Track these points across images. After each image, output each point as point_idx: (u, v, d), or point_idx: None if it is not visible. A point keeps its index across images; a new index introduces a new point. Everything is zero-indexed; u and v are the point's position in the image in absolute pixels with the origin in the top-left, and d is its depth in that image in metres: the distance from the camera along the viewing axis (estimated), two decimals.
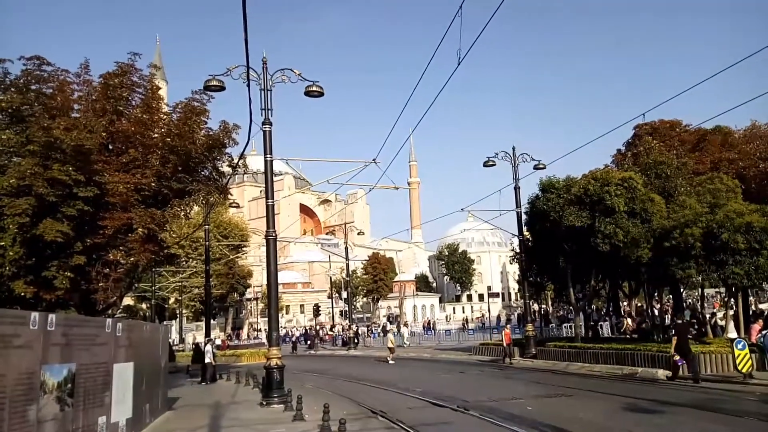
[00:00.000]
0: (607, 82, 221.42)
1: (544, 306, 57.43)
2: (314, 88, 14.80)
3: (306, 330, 58.98)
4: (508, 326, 23.25)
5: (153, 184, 15.29)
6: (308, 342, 46.75)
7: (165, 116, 16.76)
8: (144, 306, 53.53)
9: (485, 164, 24.36)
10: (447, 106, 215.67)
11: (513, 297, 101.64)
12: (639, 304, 33.68)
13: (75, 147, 13.23)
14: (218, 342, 50.11)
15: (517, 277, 59.28)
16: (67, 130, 13.35)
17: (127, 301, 57.96)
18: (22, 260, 13.06)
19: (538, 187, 24.02)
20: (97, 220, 14.15)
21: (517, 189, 24.88)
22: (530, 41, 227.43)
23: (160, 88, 18.29)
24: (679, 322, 17.51)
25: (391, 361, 27.04)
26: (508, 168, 24.68)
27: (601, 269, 23.77)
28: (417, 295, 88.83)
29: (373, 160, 17.40)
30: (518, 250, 27.00)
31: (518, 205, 25.10)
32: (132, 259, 15.57)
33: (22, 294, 13.04)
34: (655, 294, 28.96)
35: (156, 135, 16.11)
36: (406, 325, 50.05)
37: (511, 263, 52.09)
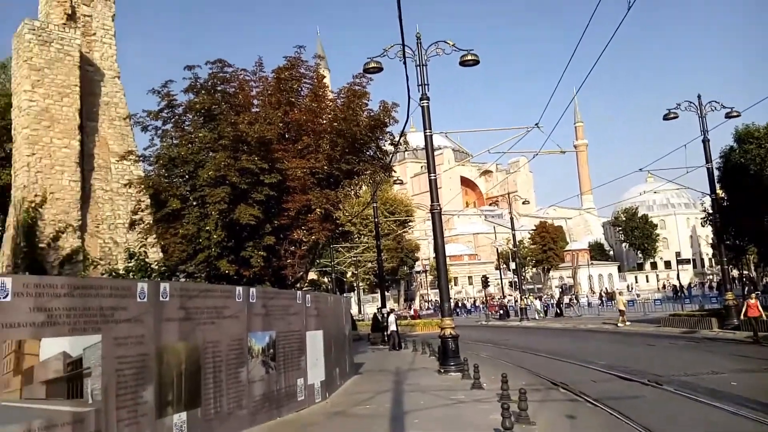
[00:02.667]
0: None
1: (746, 272, 50.53)
2: (469, 57, 14.50)
3: (474, 301, 59.07)
4: (754, 295, 20.03)
5: (325, 167, 16.32)
6: (500, 313, 44.81)
7: (331, 102, 17.76)
8: (325, 280, 58.06)
9: (666, 117, 21.89)
10: (615, 59, 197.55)
11: (706, 263, 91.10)
12: None
13: (258, 139, 14.62)
14: (410, 312, 52.37)
15: (710, 241, 52.91)
16: (250, 124, 14.79)
17: (311, 275, 63.36)
18: (224, 242, 14.84)
19: (733, 138, 21.11)
20: (281, 203, 15.53)
21: (706, 142, 22.04)
22: None
23: (324, 77, 19.38)
24: None
25: (620, 325, 27.06)
26: (692, 120, 21.95)
27: None
28: (592, 264, 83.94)
29: (536, 124, 16.64)
30: (711, 211, 24.00)
31: (708, 160, 22.23)
32: (313, 237, 16.80)
33: (226, 271, 14.86)
34: None
35: (324, 121, 17.14)
36: (539, 299, 47.64)
37: (702, 226, 46.54)
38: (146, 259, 16.29)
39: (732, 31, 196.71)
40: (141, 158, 18.41)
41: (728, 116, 21.33)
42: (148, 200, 16.76)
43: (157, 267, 16.24)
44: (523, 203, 73.11)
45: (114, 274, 16.94)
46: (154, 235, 16.47)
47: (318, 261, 42.30)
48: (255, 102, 17.06)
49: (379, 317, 26.74)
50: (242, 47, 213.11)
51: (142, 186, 16.32)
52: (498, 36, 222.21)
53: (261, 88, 17.23)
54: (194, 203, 15.28)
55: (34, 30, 20.39)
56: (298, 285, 19.24)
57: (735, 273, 45.34)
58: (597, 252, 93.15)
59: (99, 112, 22.71)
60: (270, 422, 8.39)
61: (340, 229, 21.02)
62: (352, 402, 10.42)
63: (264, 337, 8.67)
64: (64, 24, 21.64)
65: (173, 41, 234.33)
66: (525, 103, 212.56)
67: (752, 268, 52.89)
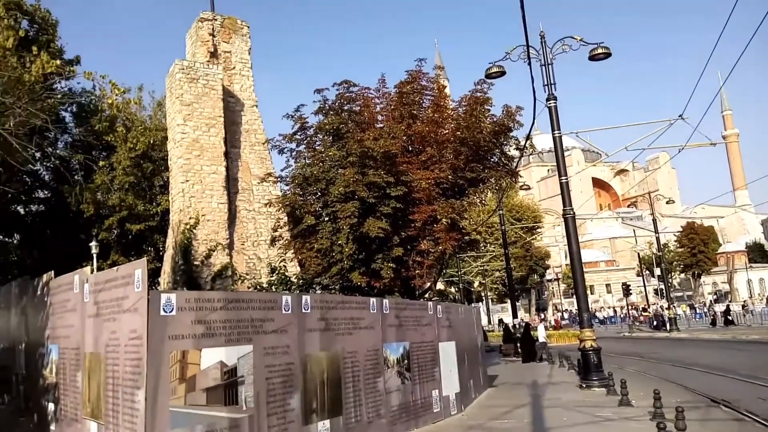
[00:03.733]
0: None
1: None
2: (599, 51, 13.75)
3: (615, 311, 55.29)
4: None
5: (449, 176, 16.30)
6: (655, 323, 38.79)
7: (452, 112, 17.75)
8: (452, 290, 57.81)
9: None
10: (765, 38, 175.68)
11: None
12: None
13: (383, 153, 14.99)
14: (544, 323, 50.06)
15: None
16: (375, 140, 15.20)
17: (439, 285, 63.42)
18: (355, 255, 15.34)
19: None
20: (407, 215, 15.73)
21: None
22: None
23: (445, 87, 19.45)
24: None
25: None
26: None
27: None
28: (750, 267, 74.84)
29: (680, 116, 15.29)
30: None
31: None
32: (440, 247, 16.78)
33: (358, 283, 15.33)
34: None
35: (446, 131, 17.16)
36: (690, 307, 40.62)
37: None
38: (286, 273, 17.33)
39: None
40: (278, 179, 19.71)
41: None
42: (286, 218, 17.86)
43: (295, 280, 17.21)
44: (667, 203, 67.35)
45: (259, 287, 18.23)
46: (292, 250, 17.47)
47: (445, 271, 42.23)
48: (379, 118, 17.55)
49: (511, 328, 26.02)
50: (365, 63, 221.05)
51: (280, 205, 17.43)
52: (627, 25, 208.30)
53: (384, 104, 17.70)
54: (327, 219, 16.00)
55: (183, 69, 22.81)
56: (426, 295, 19.32)
57: None
58: (756, 253, 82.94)
59: (241, 139, 24.76)
60: None
61: (467, 238, 20.78)
62: (489, 416, 10.17)
63: (398, 348, 8.79)
64: (208, 61, 23.97)
65: (303, 67, 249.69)
66: (658, 97, 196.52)
67: None
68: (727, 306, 39.54)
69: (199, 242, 21.52)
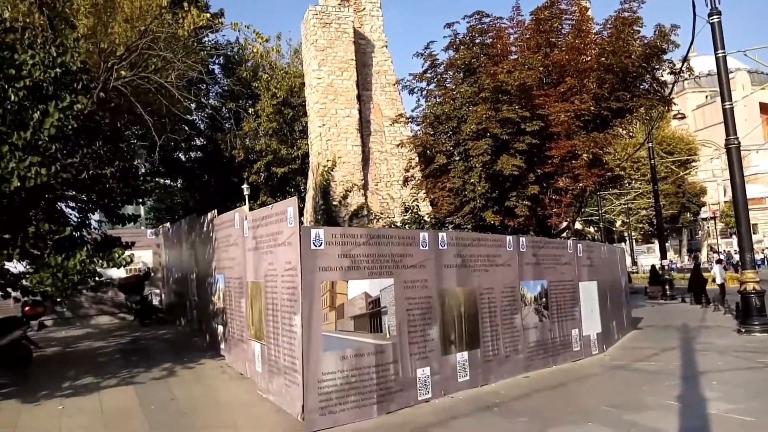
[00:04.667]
0: None
1: None
2: None
3: None
4: None
5: (592, 108, 15.23)
6: None
7: (596, 36, 16.34)
8: (591, 230, 55.10)
9: None
10: None
11: None
12: None
13: (518, 87, 14.34)
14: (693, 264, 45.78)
15: None
16: (509, 73, 14.55)
17: (577, 225, 60.69)
18: (488, 193, 15.15)
19: None
20: (544, 151, 15.08)
21: None
22: None
23: (587, 9, 17.86)
24: None
25: None
26: None
27: None
28: None
29: None
30: None
31: None
32: (579, 184, 15.99)
33: (492, 222, 15.19)
34: None
35: (589, 58, 15.90)
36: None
37: None
38: (419, 212, 17.68)
39: None
40: (409, 119, 19.82)
41: None
42: (417, 158, 18.02)
43: (428, 219, 17.51)
44: None
45: (393, 226, 18.85)
46: (424, 190, 17.69)
47: (584, 210, 40.18)
48: (513, 49, 16.70)
49: (658, 269, 24.39)
50: None
51: (412, 145, 17.58)
52: None
53: (519, 34, 16.77)
54: (458, 158, 15.88)
55: (316, 15, 23.36)
56: (563, 235, 18.67)
57: None
58: None
59: (372, 81, 25.08)
60: (546, 369, 8.47)
61: (609, 174, 19.48)
62: (634, 357, 9.79)
63: (536, 286, 8.70)
64: (339, 4, 24.27)
65: (432, 4, 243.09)
66: None
67: None
68: None
69: (336, 183, 22.60)
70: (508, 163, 14.35)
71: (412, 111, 18.95)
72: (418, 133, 18.60)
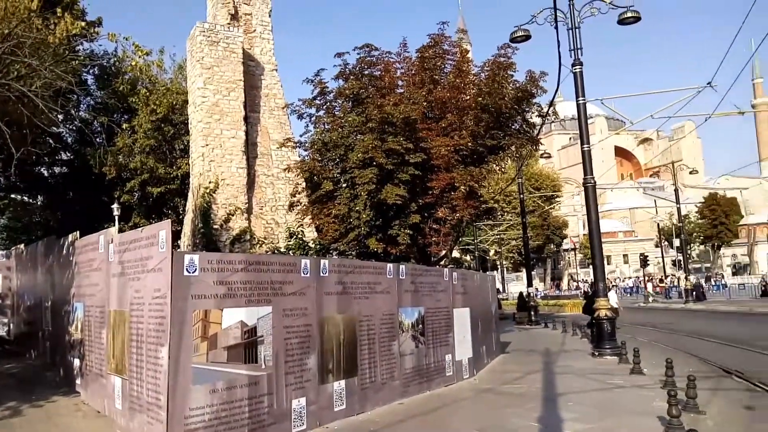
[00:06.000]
0: None
1: None
2: (629, 15, 13.37)
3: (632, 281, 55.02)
4: None
5: (469, 143, 16.17)
6: (695, 294, 36.39)
7: (474, 77, 17.48)
8: (468, 258, 57.97)
9: None
10: None
11: None
12: None
13: (403, 119, 14.89)
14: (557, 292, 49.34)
15: None
16: (395, 105, 15.09)
17: (455, 253, 63.65)
18: (372, 221, 15.46)
19: None
20: (425, 182, 15.72)
21: None
22: None
23: (467, 51, 19.11)
24: None
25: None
26: None
27: None
28: None
29: (708, 83, 14.88)
30: None
31: None
32: (457, 215, 16.81)
33: (375, 249, 15.47)
34: None
35: (468, 97, 16.92)
36: (708, 279, 35.61)
37: None
38: (303, 238, 17.55)
39: None
40: (297, 144, 19.76)
41: None
42: (304, 183, 17.97)
43: (313, 245, 17.43)
44: (691, 173, 66.07)
45: (276, 251, 18.50)
46: (310, 216, 17.65)
47: (461, 239, 42.24)
48: (399, 83, 17.37)
49: (525, 296, 26.21)
50: (387, 28, 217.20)
51: (299, 170, 17.52)
52: None
53: (405, 69, 17.49)
54: (345, 185, 16.08)
55: (204, 32, 22.71)
56: (442, 263, 19.45)
57: None
58: None
59: (260, 104, 24.75)
60: (421, 395, 8.68)
61: (484, 206, 20.76)
62: (501, 380, 10.36)
63: (413, 313, 8.94)
64: (229, 24, 23.79)
65: (323, 31, 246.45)
66: (689, 63, 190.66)
67: None
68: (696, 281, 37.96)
69: (218, 206, 21.80)
70: (393, 192, 14.77)
71: (301, 136, 18.95)
72: (306, 158, 18.59)
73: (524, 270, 34.73)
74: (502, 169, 19.70)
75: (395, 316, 8.45)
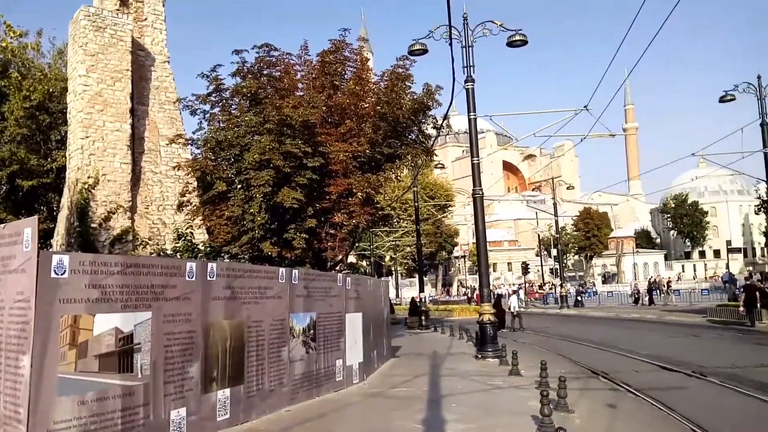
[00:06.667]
0: None
1: None
2: (517, 38, 14.22)
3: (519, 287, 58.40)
4: None
5: (367, 150, 16.35)
6: (577, 299, 40.25)
7: (374, 86, 17.74)
8: (364, 263, 58.59)
9: (722, 99, 21.02)
10: (671, 39, 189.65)
11: (758, 253, 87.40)
12: None
13: (302, 122, 14.75)
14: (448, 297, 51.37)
15: (764, 230, 50.62)
16: (295, 108, 14.91)
17: (350, 258, 64.03)
18: (268, 224, 15.12)
19: None
20: (323, 186, 15.67)
21: (764, 126, 21.05)
22: None
23: (368, 60, 19.35)
24: None
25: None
26: (750, 102, 20.98)
27: None
28: (637, 252, 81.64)
29: (585, 107, 16.22)
30: (766, 198, 22.96)
31: (766, 144, 21.24)
32: (353, 220, 16.90)
33: (269, 253, 15.16)
34: None
35: (367, 104, 17.13)
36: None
37: (756, 213, 44.62)
38: (193, 240, 16.80)
39: None
40: (189, 142, 18.88)
41: None
42: (196, 183, 17.21)
43: (203, 248, 16.74)
44: (567, 188, 71.96)
45: (162, 253, 17.53)
46: (201, 217, 16.93)
47: (357, 244, 42.61)
48: (300, 86, 17.20)
49: (416, 301, 26.95)
50: (288, 28, 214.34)
51: (190, 168, 16.76)
52: (546, 14, 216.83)
53: (306, 72, 17.35)
54: (239, 186, 15.61)
55: (89, 16, 21.07)
56: (337, 268, 19.48)
57: None
58: (643, 240, 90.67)
59: (149, 97, 23.37)
60: (309, 401, 8.60)
61: (381, 213, 21.08)
62: (390, 384, 10.55)
63: (305, 318, 8.86)
64: (117, 10, 22.28)
65: (221, 26, 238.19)
66: (573, 85, 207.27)
67: None
68: (650, 286, 41.12)
69: (97, 203, 20.28)
70: (289, 195, 14.55)
71: (193, 133, 18.10)
72: (198, 156, 17.83)
73: (417, 276, 35.70)
74: (398, 178, 20.13)
75: (286, 322, 8.31)
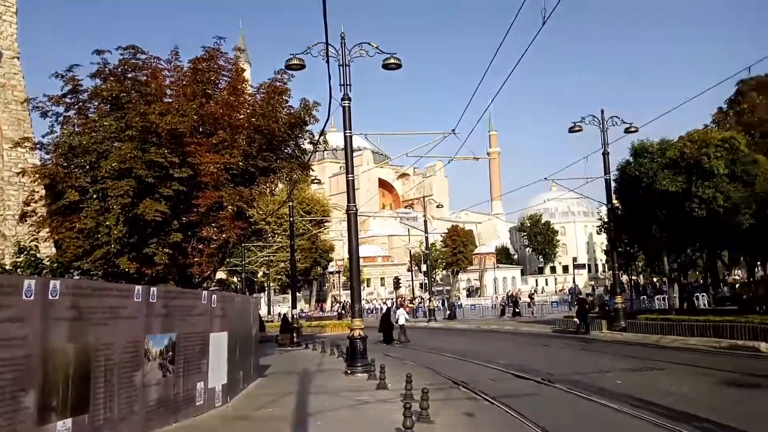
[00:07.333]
0: (706, 37, 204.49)
1: (634, 277, 54.82)
2: (392, 61, 14.72)
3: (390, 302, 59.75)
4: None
5: (240, 163, 15.94)
6: (449, 313, 42.48)
7: (250, 97, 17.39)
8: (235, 279, 56.60)
9: (571, 130, 23.38)
10: (529, 73, 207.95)
11: (600, 268, 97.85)
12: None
13: (169, 131, 14.01)
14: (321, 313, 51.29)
15: (604, 248, 56.80)
16: (162, 115, 14.12)
17: (220, 274, 61.46)
18: (126, 238, 14.07)
19: (630, 152, 22.65)
20: (191, 199, 14.97)
21: (606, 155, 23.72)
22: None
23: (244, 70, 18.90)
24: None
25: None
26: (595, 133, 23.57)
27: (697, 238, 22.30)
28: (498, 267, 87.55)
29: (452, 131, 17.20)
30: (606, 220, 25.86)
31: (607, 171, 23.94)
32: (223, 235, 16.34)
33: (127, 270, 14.10)
34: (758, 264, 26.84)
35: (242, 116, 16.73)
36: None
37: (598, 233, 49.96)
38: (37, 255, 15.14)
39: (633, 54, 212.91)
40: (38, 146, 17.10)
41: (627, 131, 22.98)
42: (43, 191, 15.61)
43: (49, 263, 15.14)
44: (438, 206, 75.45)
45: (1, 270, 15.57)
46: (48, 229, 15.34)
47: (228, 260, 41.12)
48: (168, 92, 16.33)
49: (288, 318, 26.60)
50: (160, 36, 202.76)
51: (37, 175, 15.17)
52: (422, 42, 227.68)
53: (176, 78, 16.54)
54: (94, 196, 14.39)
55: None
56: (205, 285, 18.63)
57: (624, 278, 48.97)
58: (503, 256, 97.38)
59: None
60: (165, 428, 8.08)
61: (253, 227, 20.56)
62: (255, 405, 10.24)
63: (163, 339, 8.33)
64: None
65: (84, 24, 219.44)
66: (445, 109, 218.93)
67: (639, 274, 57.31)
68: (515, 300, 43.95)
69: None
70: (152, 207, 13.69)
71: (43, 137, 16.44)
72: (48, 162, 16.21)
73: (291, 291, 35.20)
74: (273, 192, 19.80)
75: (141, 344, 7.75)
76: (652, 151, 21.38)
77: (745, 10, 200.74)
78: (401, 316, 25.19)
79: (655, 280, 49.64)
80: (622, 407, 8.95)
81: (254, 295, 56.60)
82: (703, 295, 29.91)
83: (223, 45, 16.86)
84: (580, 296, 30.03)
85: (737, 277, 43.29)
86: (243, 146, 16.09)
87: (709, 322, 18.41)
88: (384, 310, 30.54)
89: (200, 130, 16.24)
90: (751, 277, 29.45)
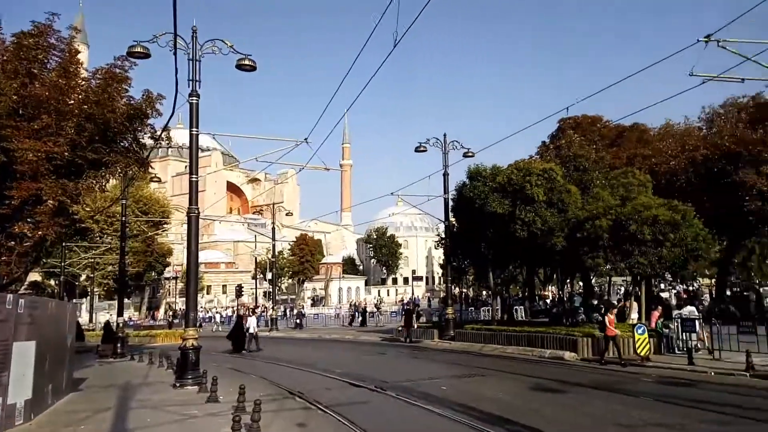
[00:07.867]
0: (537, 76, 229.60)
1: (465, 290, 59.20)
2: (246, 62, 14.34)
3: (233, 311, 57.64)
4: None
5: (66, 153, 14.46)
6: (296, 322, 42.33)
7: (83, 82, 15.84)
8: (52, 282, 50.48)
9: (417, 149, 24.70)
10: (382, 92, 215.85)
11: (437, 281, 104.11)
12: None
13: None
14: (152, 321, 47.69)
15: (441, 262, 60.64)
16: None
17: (34, 276, 54.39)
18: None
19: (466, 175, 24.61)
20: (3, 189, 13.24)
21: (446, 175, 25.39)
22: (463, 31, 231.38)
23: (79, 52, 17.18)
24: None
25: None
26: (438, 154, 25.15)
27: (519, 256, 24.79)
28: (343, 277, 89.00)
29: (305, 139, 17.14)
30: (444, 236, 27.65)
31: (446, 191, 25.63)
32: (39, 232, 14.66)
33: None
34: (568, 281, 30.59)
35: (72, 101, 15.21)
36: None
37: (436, 248, 53.12)
38: None
39: (476, 86, 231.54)
40: None
41: (465, 155, 24.92)
42: None
43: None
44: (287, 214, 74.72)
45: None
46: None
47: (45, 260, 36.67)
48: None
49: (112, 326, 24.48)
50: None
51: None
52: (281, 48, 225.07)
53: None
54: None
55: None
56: (14, 287, 16.44)
57: (456, 290, 52.67)
58: (349, 266, 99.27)
59: None
60: None
61: (78, 225, 18.64)
62: (64, 423, 9.20)
63: None
64: None
65: None
66: (300, 116, 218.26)
67: (469, 287, 62.05)
68: (363, 309, 44.64)
69: None
70: None
71: None
72: None
73: (118, 297, 32.28)
74: (103, 187, 18.09)
75: None
76: (485, 175, 23.43)
77: (570, 58, 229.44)
78: (252, 325, 24.81)
79: (485, 293, 54.07)
80: (445, 412, 9.60)
81: (73, 300, 50.97)
82: (521, 308, 33.29)
83: (56, 22, 15.23)
84: (407, 307, 32.15)
85: (548, 293, 48.81)
86: (71, 135, 14.63)
87: (524, 332, 20.55)
88: (236, 318, 30.91)
89: (20, 112, 14.46)
90: (561, 292, 33.38)
